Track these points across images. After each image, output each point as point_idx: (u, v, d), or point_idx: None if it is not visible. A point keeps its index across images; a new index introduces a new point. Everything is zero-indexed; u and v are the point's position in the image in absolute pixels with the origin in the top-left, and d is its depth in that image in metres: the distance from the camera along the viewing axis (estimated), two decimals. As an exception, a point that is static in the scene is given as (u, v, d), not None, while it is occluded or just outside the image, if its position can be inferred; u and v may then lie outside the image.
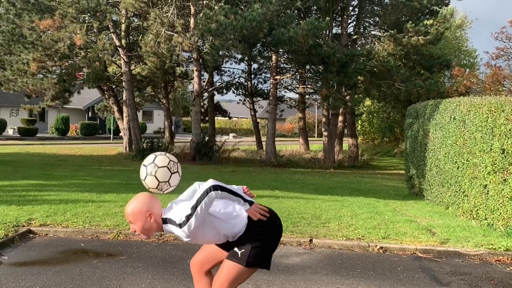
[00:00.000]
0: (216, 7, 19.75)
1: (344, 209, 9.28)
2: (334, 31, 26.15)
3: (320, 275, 5.58)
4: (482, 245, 6.74)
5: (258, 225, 3.38)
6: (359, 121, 38.10)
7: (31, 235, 6.91)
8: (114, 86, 27.78)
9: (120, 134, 29.84)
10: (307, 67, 26.63)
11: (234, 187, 3.41)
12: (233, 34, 18.93)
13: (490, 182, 7.83)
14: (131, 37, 26.24)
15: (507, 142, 7.47)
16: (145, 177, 3.42)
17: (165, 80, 28.18)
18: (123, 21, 23.98)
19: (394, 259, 6.34)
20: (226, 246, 3.50)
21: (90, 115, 46.46)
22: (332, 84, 22.48)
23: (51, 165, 18.36)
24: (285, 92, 33.19)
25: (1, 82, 24.33)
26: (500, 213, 7.59)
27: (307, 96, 32.12)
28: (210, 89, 30.80)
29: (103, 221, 7.46)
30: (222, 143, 24.94)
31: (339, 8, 24.83)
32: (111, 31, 23.70)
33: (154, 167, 3.41)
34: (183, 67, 30.65)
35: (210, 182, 3.26)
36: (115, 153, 26.03)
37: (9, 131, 40.18)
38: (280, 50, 23.68)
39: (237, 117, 57.07)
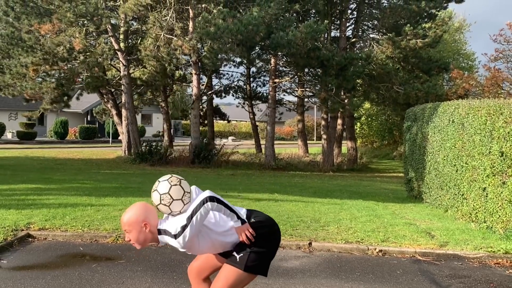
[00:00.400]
0: (214, 11, 19.77)
1: (343, 212, 9.28)
2: (332, 34, 26.18)
3: (319, 279, 5.58)
4: (481, 248, 6.74)
5: (257, 232, 3.39)
6: (358, 124, 38.12)
7: (30, 239, 6.90)
8: (113, 90, 27.78)
9: (119, 138, 29.84)
10: (306, 70, 26.65)
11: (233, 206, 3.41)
12: (230, 38, 18.94)
13: (489, 185, 7.83)
14: (130, 40, 26.25)
15: (505, 145, 7.48)
16: (157, 206, 3.39)
17: (164, 83, 28.19)
18: (122, 25, 24.00)
19: (393, 262, 6.34)
20: (225, 252, 3.50)
21: (89, 119, 46.46)
22: (330, 87, 22.50)
23: (50, 169, 18.34)
24: (284, 95, 33.24)
25: (0, 87, 24.34)
26: (499, 215, 7.58)
27: (306, 99, 32.14)
28: (209, 92, 30.82)
29: (102, 225, 7.45)
30: (221, 146, 24.94)
31: (337, 11, 24.87)
32: (110, 34, 23.72)
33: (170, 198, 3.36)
34: (182, 71, 30.66)
35: (207, 193, 3.26)
36: (114, 156, 26.02)
37: (8, 135, 40.15)
38: (279, 53, 23.69)
39: (236, 120, 57.10)
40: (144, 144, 24.14)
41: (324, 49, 21.48)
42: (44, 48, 21.06)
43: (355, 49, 25.77)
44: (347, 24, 25.50)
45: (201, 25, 19.46)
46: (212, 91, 31.37)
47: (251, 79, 32.39)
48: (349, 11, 25.65)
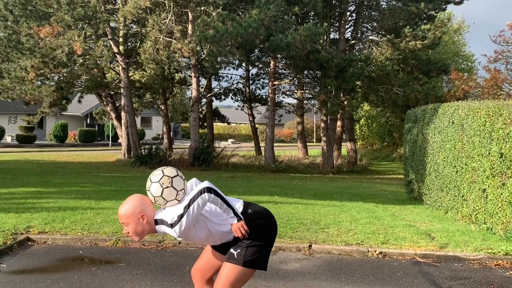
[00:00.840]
0: (214, 13, 19.78)
1: (343, 214, 9.27)
2: (331, 36, 26.21)
3: (320, 281, 5.57)
4: (481, 250, 6.73)
5: (253, 224, 3.40)
6: (358, 125, 38.13)
7: (30, 243, 6.89)
8: (112, 93, 27.78)
9: (119, 141, 29.84)
10: (305, 72, 26.65)
11: (229, 198, 3.40)
12: (229, 41, 18.95)
13: (489, 186, 7.83)
14: (129, 43, 26.26)
15: (505, 146, 7.48)
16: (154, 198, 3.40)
17: (164, 86, 28.20)
18: (121, 28, 24.01)
19: (393, 264, 6.33)
20: (224, 248, 3.51)
21: (88, 122, 46.44)
22: (330, 89, 22.50)
23: (49, 172, 18.34)
24: (284, 97, 33.20)
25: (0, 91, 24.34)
26: (499, 217, 7.58)
27: (305, 101, 32.15)
28: (209, 95, 30.82)
29: (102, 228, 7.44)
30: (222, 149, 24.94)
31: (336, 13, 24.90)
32: (109, 38, 23.73)
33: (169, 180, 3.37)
34: (181, 73, 30.67)
35: (205, 184, 3.27)
36: (113, 159, 26.01)
37: (8, 139, 40.13)
38: (278, 55, 23.69)
39: (236, 123, 57.13)
40: (143, 147, 24.13)
41: (323, 51, 21.49)
42: (43, 52, 21.06)
43: (354, 51, 25.78)
44: (346, 26, 25.52)
45: (201, 28, 19.47)
46: (212, 93, 31.37)
47: (251, 82, 32.40)
48: (348, 13, 25.67)
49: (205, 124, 32.20)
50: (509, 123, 7.46)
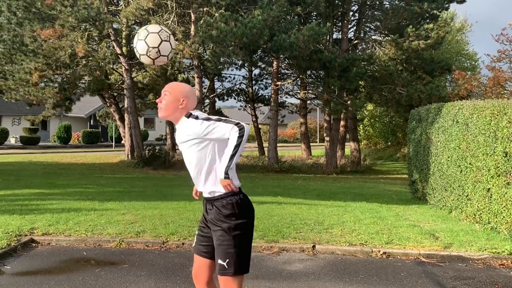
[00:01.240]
0: (216, 14, 19.79)
1: (347, 214, 9.26)
2: (334, 36, 26.18)
3: (323, 281, 5.56)
4: (485, 249, 6.71)
5: (243, 210, 3.45)
6: (362, 125, 38.08)
7: (34, 244, 6.90)
8: (115, 94, 27.82)
9: (122, 142, 29.87)
10: (308, 72, 26.63)
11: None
12: (233, 41, 18.96)
13: (493, 186, 7.80)
14: (132, 44, 26.25)
15: (509, 145, 7.45)
16: (136, 44, 3.49)
17: (166, 87, 28.17)
18: (124, 29, 24.03)
19: (397, 264, 6.32)
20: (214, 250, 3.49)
21: (92, 123, 46.55)
22: (333, 89, 22.49)
23: (53, 173, 18.37)
24: (287, 97, 33.19)
25: (3, 91, 24.40)
26: (504, 216, 7.56)
27: (308, 102, 32.11)
28: (211, 95, 30.82)
29: (106, 229, 7.45)
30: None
31: (339, 13, 24.85)
32: (112, 39, 23.76)
33: (145, 31, 3.48)
34: (184, 74, 30.68)
35: (246, 126, 3.32)
36: (117, 161, 26.04)
37: (11, 140, 40.25)
38: (281, 55, 23.68)
39: (239, 123, 57.03)
40: (147, 148, 24.15)
41: (326, 51, 21.47)
42: (47, 53, 21.10)
43: (357, 50, 25.75)
44: (349, 26, 25.48)
45: (203, 29, 19.48)
46: (215, 94, 31.37)
47: (253, 82, 32.37)
48: (351, 13, 25.64)
49: (208, 124, 32.15)
50: (513, 122, 7.44)
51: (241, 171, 22.34)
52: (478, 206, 8.31)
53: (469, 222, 8.58)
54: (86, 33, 22.44)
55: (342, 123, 27.05)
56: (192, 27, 21.61)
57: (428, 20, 23.52)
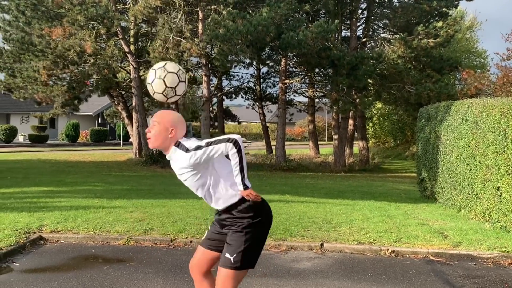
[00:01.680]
0: (224, 12, 19.78)
1: (355, 213, 9.22)
2: (343, 34, 26.12)
3: (332, 280, 5.54)
4: (495, 248, 6.66)
5: (259, 213, 3.44)
6: (370, 124, 37.98)
7: (42, 242, 6.92)
8: (123, 92, 27.88)
9: (130, 140, 29.94)
10: (317, 70, 26.58)
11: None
12: (240, 39, 18.94)
13: (503, 184, 7.74)
14: (140, 43, 26.32)
15: (519, 144, 7.40)
16: (153, 81, 3.46)
17: (174, 85, 28.19)
18: (131, 28, 24.07)
19: (406, 262, 6.28)
20: (221, 246, 3.50)
21: (100, 121, 46.69)
22: (342, 87, 22.42)
23: (61, 171, 18.44)
24: (295, 96, 33.17)
25: (12, 89, 24.53)
26: (514, 215, 7.50)
27: (316, 100, 32.06)
28: (219, 94, 30.85)
29: (114, 227, 7.46)
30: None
31: (348, 11, 24.79)
32: (120, 37, 23.81)
33: (164, 71, 3.46)
34: (192, 72, 30.71)
35: (236, 136, 3.28)
36: (125, 159, 26.11)
37: (20, 138, 40.44)
38: (289, 53, 23.65)
39: (247, 122, 57.12)
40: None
41: (335, 49, 21.41)
42: (55, 52, 21.17)
43: (366, 48, 25.67)
44: (358, 24, 25.41)
45: (211, 27, 19.47)
46: (222, 92, 31.39)
47: (261, 80, 32.37)
48: (360, 11, 25.56)
49: (216, 123, 32.21)
50: (523, 120, 7.38)
51: (249, 170, 22.22)
52: (487, 205, 8.25)
53: (479, 220, 8.52)
54: (94, 32, 22.49)
55: (350, 121, 27.00)
56: (200, 25, 21.61)
57: (437, 18, 23.39)
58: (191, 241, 6.84)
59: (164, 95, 3.46)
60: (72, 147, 37.90)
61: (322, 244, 6.83)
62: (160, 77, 3.43)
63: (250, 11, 20.79)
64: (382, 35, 26.66)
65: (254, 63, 29.15)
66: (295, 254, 6.53)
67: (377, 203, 10.75)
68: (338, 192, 13.60)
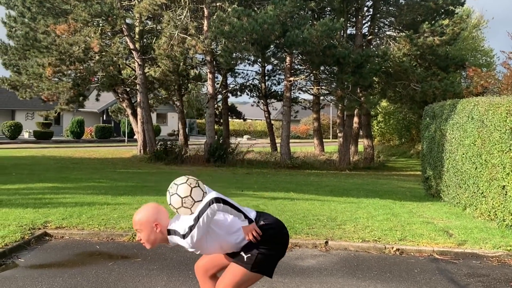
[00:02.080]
0: (229, 9, 19.76)
1: (360, 210, 9.21)
2: (348, 31, 26.04)
3: (336, 277, 5.54)
4: (500, 247, 6.64)
5: (265, 234, 3.42)
6: (375, 122, 37.89)
7: (47, 238, 6.94)
8: (128, 89, 27.91)
9: (135, 137, 29.98)
10: (322, 68, 26.53)
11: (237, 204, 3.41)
12: (245, 37, 18.92)
13: (508, 183, 7.71)
14: (145, 40, 26.34)
15: (525, 142, 7.36)
16: (170, 199, 3.42)
17: (178, 82, 28.24)
18: (137, 25, 24.09)
19: (410, 261, 6.27)
20: (233, 252, 3.52)
21: (104, 118, 46.75)
22: (347, 85, 22.38)
23: (66, 168, 18.47)
24: (300, 93, 33.20)
25: (17, 88, 24.59)
26: (519, 214, 7.47)
27: (321, 97, 32.00)
28: (224, 91, 30.82)
29: (118, 223, 7.47)
30: (236, 145, 24.90)
31: (353, 8, 24.72)
32: (125, 34, 23.82)
33: (174, 185, 3.43)
34: (196, 70, 30.71)
35: (213, 194, 3.27)
36: (129, 155, 26.14)
37: (25, 135, 40.54)
38: (294, 51, 23.61)
39: (251, 119, 57.08)
40: (159, 143, 24.21)
41: (340, 46, 21.37)
42: (60, 49, 21.20)
43: (371, 46, 25.61)
44: (363, 22, 25.34)
45: (216, 24, 19.46)
46: (227, 89, 31.36)
47: (266, 78, 32.32)
48: (365, 8, 25.49)
49: (221, 120, 32.20)
50: (529, 118, 7.34)
51: (253, 167, 22.34)
52: (493, 204, 8.22)
53: (484, 219, 8.50)
54: (99, 29, 22.51)
55: (355, 119, 26.95)
56: (205, 22, 21.61)
57: (443, 16, 23.31)
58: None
59: (185, 207, 3.39)
60: (77, 143, 37.95)
61: (326, 242, 6.82)
62: (173, 192, 3.40)
63: (255, 9, 20.76)
64: (387, 33, 26.59)
65: (259, 60, 29.11)
66: (299, 252, 6.52)
67: (382, 201, 10.73)
68: (343, 190, 13.58)
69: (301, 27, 19.78)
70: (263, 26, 18.38)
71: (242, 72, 42.62)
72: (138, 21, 23.74)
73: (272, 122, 34.08)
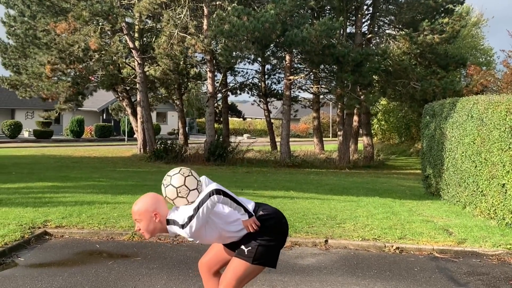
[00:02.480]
0: (229, 8, 19.75)
1: (360, 209, 9.21)
2: (348, 30, 26.02)
3: (336, 276, 5.54)
4: (500, 245, 6.64)
5: (265, 225, 3.43)
6: (375, 120, 37.88)
7: (47, 237, 6.94)
8: (128, 88, 27.91)
9: (135, 136, 29.98)
10: (321, 67, 26.52)
11: (241, 199, 3.42)
12: (245, 36, 18.91)
13: (508, 181, 7.71)
14: (144, 39, 26.33)
15: (525, 141, 7.36)
16: (165, 191, 3.44)
17: (178, 81, 28.24)
18: (136, 24, 24.08)
19: (410, 259, 6.27)
20: (233, 245, 3.53)
21: (104, 117, 46.75)
22: (346, 84, 22.38)
23: (66, 167, 18.47)
24: (299, 92, 33.09)
25: (17, 86, 24.59)
26: (519, 212, 7.47)
27: (321, 96, 32.01)
28: (224, 90, 30.80)
29: (118, 222, 7.47)
30: (236, 144, 24.90)
31: (353, 7, 24.71)
32: (124, 33, 23.82)
33: (168, 177, 3.46)
34: (196, 68, 30.71)
35: (214, 186, 3.28)
36: (129, 154, 26.14)
37: (25, 134, 40.52)
38: (294, 50, 23.59)
39: (251, 118, 57.05)
40: (159, 142, 24.21)
41: (339, 45, 21.35)
42: (59, 47, 21.19)
43: (371, 45, 25.60)
44: (363, 20, 25.33)
45: (216, 23, 19.45)
46: (227, 88, 31.34)
47: (266, 76, 32.32)
48: (365, 7, 25.48)
49: (221, 119, 32.19)
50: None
51: (253, 166, 22.35)
52: (492, 202, 8.22)
53: (484, 217, 8.50)
54: (99, 27, 22.50)
55: (355, 118, 26.94)
56: (205, 21, 21.59)
57: (443, 14, 23.30)
58: (195, 237, 6.83)
59: (180, 197, 3.40)
60: (77, 142, 37.95)
61: (326, 241, 6.82)
62: (167, 184, 3.42)
63: (255, 7, 20.75)
64: (387, 31, 26.58)
65: (259, 59, 29.10)
66: (299, 250, 6.53)
67: (382, 200, 10.73)
68: (343, 188, 13.58)
69: (300, 26, 19.77)
70: (264, 25, 18.37)
71: (242, 71, 42.72)
72: (138, 20, 23.72)
73: (272, 121, 34.09)
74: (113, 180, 13.94)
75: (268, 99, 32.51)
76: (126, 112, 29.25)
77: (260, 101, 33.21)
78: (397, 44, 22.30)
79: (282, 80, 29.90)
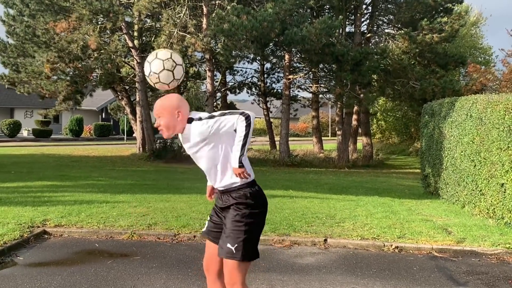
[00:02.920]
0: (228, 7, 19.74)
1: (359, 208, 9.22)
2: (347, 29, 26.02)
3: (335, 275, 5.54)
4: (499, 244, 6.65)
5: (256, 201, 3.52)
6: (374, 120, 37.89)
7: (46, 236, 6.94)
8: (127, 87, 27.88)
9: (134, 135, 29.97)
10: (321, 66, 26.52)
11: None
12: (244, 35, 18.90)
13: (507, 181, 7.72)
14: (144, 38, 26.30)
15: (524, 140, 7.36)
16: (149, 74, 3.48)
17: (178, 80, 28.17)
18: (136, 22, 24.05)
19: (409, 258, 6.27)
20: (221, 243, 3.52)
21: (103, 116, 46.74)
22: (345, 83, 22.37)
23: (65, 166, 18.47)
24: (299, 91, 33.07)
25: (15, 84, 24.58)
26: (518, 211, 7.48)
27: (320, 95, 32.00)
28: (223, 89, 30.79)
29: (117, 221, 7.47)
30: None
31: (352, 6, 24.69)
32: (124, 32, 23.80)
33: (153, 55, 3.50)
34: (196, 67, 30.68)
35: (251, 112, 3.36)
36: (128, 153, 26.13)
37: (24, 133, 40.51)
38: (293, 49, 23.58)
39: (251, 117, 56.95)
40: (158, 141, 24.19)
41: (339, 44, 21.35)
42: (59, 46, 21.17)
43: (370, 44, 25.59)
44: (362, 19, 25.34)
45: (215, 22, 19.44)
46: (226, 87, 31.34)
47: (265, 76, 32.32)
48: (364, 6, 25.47)
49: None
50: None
51: (252, 165, 22.15)
52: (491, 201, 8.23)
53: (483, 217, 8.51)
54: (98, 26, 22.47)
55: (354, 117, 26.94)
56: (204, 20, 21.57)
57: (442, 14, 23.29)
58: (194, 236, 6.84)
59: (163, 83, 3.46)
60: (76, 141, 37.95)
61: (325, 240, 6.83)
62: (151, 59, 3.47)
63: (255, 7, 20.74)
64: (386, 30, 26.57)
65: (258, 58, 29.09)
66: (298, 250, 6.53)
67: (381, 199, 10.74)
68: (342, 187, 13.59)
69: (299, 25, 19.76)
70: (263, 24, 18.36)
71: (241, 70, 42.59)
72: (137, 19, 23.69)
73: (271, 120, 34.08)
74: (112, 179, 13.94)
75: (267, 98, 32.51)
76: (125, 111, 29.23)
77: (259, 100, 33.21)
78: (396, 43, 22.30)
79: (281, 79, 29.90)
